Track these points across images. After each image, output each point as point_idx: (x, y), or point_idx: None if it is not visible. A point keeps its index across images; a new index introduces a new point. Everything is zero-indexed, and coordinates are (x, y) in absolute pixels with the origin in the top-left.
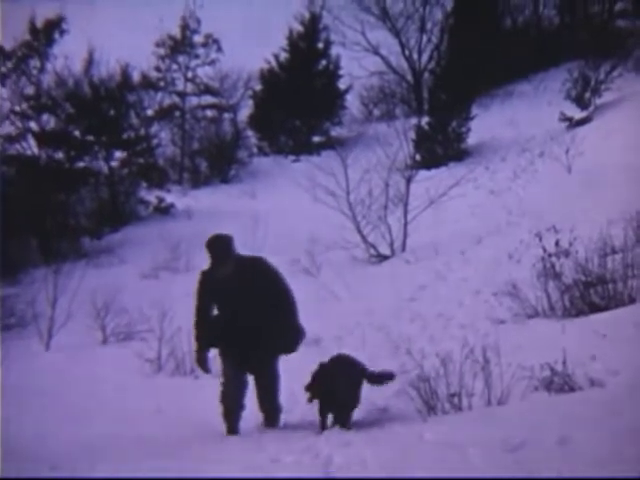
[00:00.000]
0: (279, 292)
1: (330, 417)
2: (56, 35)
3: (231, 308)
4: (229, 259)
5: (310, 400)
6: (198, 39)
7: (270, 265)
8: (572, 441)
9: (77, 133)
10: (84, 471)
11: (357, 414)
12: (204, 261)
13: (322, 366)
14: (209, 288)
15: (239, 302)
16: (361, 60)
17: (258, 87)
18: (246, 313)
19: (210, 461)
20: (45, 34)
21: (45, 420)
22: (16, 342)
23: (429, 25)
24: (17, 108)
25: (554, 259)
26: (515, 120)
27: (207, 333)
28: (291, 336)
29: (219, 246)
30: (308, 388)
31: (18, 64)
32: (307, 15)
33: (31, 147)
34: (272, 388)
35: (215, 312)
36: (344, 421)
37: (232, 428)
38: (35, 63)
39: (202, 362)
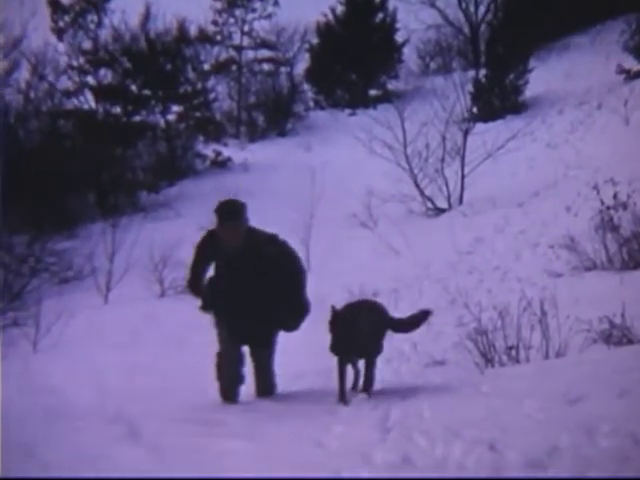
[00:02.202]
0: (289, 275)
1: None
2: None
3: (233, 280)
4: (240, 229)
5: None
6: None
7: (284, 246)
8: (631, 394)
9: (134, 87)
10: (141, 423)
11: (414, 367)
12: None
13: (335, 312)
14: (212, 254)
15: (243, 278)
16: (418, 13)
17: (315, 41)
18: (249, 288)
19: (269, 414)
20: None
21: (104, 373)
22: (74, 295)
23: None
24: (74, 63)
25: (612, 212)
26: (572, 73)
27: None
28: (295, 314)
29: (231, 212)
30: (333, 347)
31: (76, 19)
32: None
33: (88, 101)
34: (268, 364)
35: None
36: (370, 364)
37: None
38: (92, 18)
39: (196, 286)
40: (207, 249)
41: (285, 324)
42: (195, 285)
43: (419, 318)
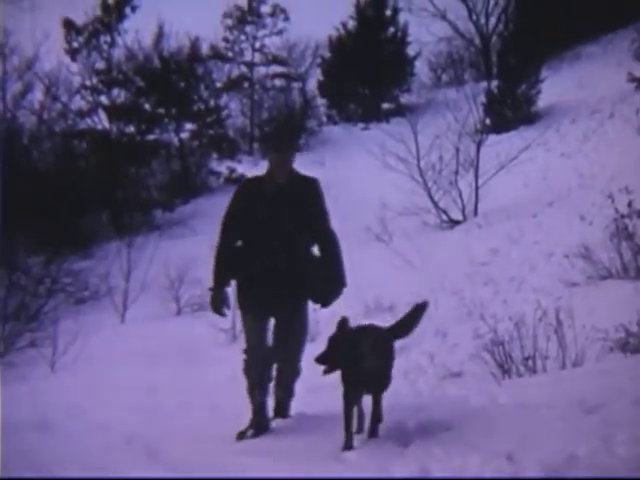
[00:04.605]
0: (325, 224)
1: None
2: (127, 10)
3: (268, 232)
4: (292, 158)
5: (327, 372)
6: (265, 9)
7: (323, 193)
8: None
9: (147, 106)
10: (160, 441)
11: (431, 379)
12: None
13: (343, 330)
14: (249, 201)
15: (281, 224)
16: (429, 26)
17: (326, 55)
18: (284, 242)
19: (286, 430)
20: (117, 10)
21: (121, 392)
22: (91, 315)
23: None
24: (88, 83)
25: (627, 220)
26: (584, 82)
27: (229, 264)
28: (332, 284)
29: (286, 134)
30: (322, 358)
31: (89, 39)
32: None
33: (102, 121)
34: (298, 336)
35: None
36: (378, 401)
37: (260, 404)
38: (106, 38)
39: (219, 302)
40: (245, 195)
41: (318, 295)
42: (224, 253)
43: (415, 315)
